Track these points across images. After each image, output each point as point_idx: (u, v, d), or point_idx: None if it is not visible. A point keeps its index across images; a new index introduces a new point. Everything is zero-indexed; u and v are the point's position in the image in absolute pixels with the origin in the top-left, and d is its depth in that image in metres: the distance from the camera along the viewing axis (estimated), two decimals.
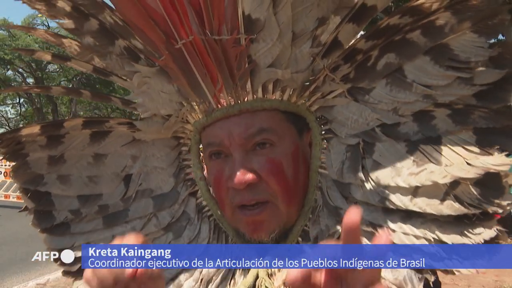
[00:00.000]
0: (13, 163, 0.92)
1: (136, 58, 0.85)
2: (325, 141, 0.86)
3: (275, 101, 0.82)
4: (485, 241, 0.65)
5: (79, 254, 0.93)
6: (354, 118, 0.81)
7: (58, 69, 30.11)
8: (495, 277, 5.10)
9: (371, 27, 0.77)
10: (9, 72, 31.13)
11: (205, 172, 0.97)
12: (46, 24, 27.85)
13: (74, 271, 0.93)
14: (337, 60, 0.79)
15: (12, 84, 31.88)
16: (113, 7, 0.79)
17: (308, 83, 0.83)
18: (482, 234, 0.66)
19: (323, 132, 0.86)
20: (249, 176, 0.78)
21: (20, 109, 34.72)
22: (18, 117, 35.32)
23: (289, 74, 0.79)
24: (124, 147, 0.96)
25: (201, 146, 0.95)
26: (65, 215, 0.95)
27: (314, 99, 0.84)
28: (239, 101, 0.81)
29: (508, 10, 0.66)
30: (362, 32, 0.79)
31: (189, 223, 0.95)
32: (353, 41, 0.78)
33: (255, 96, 0.81)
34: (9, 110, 36.56)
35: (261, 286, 0.79)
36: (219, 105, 0.82)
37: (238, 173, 0.77)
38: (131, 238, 0.64)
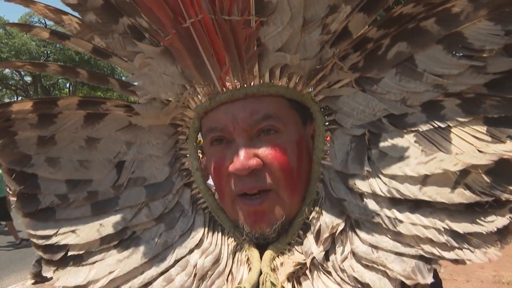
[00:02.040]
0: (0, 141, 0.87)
1: (140, 37, 0.82)
2: (328, 132, 0.84)
3: (281, 87, 0.80)
4: (498, 229, 0.63)
5: (63, 242, 0.88)
6: (361, 109, 0.79)
7: None
8: (493, 272, 5.13)
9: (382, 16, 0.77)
10: (7, 71, 31.46)
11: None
12: (43, 22, 28.09)
13: (56, 260, 0.87)
14: (346, 49, 0.78)
15: (10, 82, 31.97)
16: None
17: (314, 72, 0.82)
18: (495, 222, 0.64)
19: (326, 123, 0.85)
20: (253, 161, 0.76)
21: None
22: None
23: (297, 60, 0.78)
24: (119, 132, 0.93)
25: (199, 136, 0.93)
26: (51, 200, 0.89)
27: (320, 88, 0.83)
28: (245, 85, 0.79)
29: None
30: None
31: (183, 215, 0.91)
32: (364, 29, 0.78)
33: (261, 81, 0.79)
34: None
35: (265, 281, 0.76)
36: (224, 89, 0.80)
37: (241, 158, 0.75)
38: None
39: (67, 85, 36.46)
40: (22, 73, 31.14)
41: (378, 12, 0.77)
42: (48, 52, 30.12)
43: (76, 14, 0.84)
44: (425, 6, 0.70)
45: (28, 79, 32.35)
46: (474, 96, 0.70)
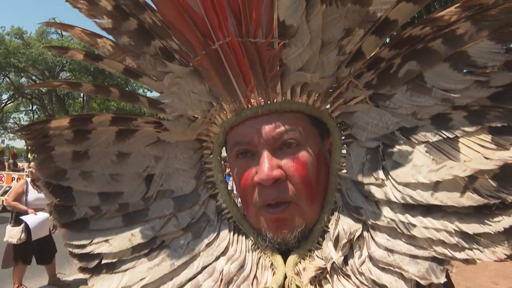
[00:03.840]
0: (38, 156, 0.93)
1: (170, 58, 0.89)
2: (344, 145, 0.90)
3: (302, 104, 0.87)
4: (505, 229, 0.69)
5: (97, 251, 0.93)
6: (374, 123, 0.86)
7: (71, 78, 30.78)
8: None
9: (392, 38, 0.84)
10: (23, 79, 32.42)
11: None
12: (59, 32, 29.25)
13: (91, 268, 0.92)
14: (361, 68, 0.85)
15: (25, 91, 32.60)
16: (155, 7, 0.84)
17: (332, 90, 0.89)
18: (502, 222, 0.70)
19: (343, 137, 0.91)
20: (277, 172, 0.82)
21: (33, 116, 35.72)
22: None
23: (317, 78, 0.85)
24: (148, 147, 0.99)
25: (223, 150, 0.98)
26: (85, 211, 0.95)
27: (337, 105, 0.89)
28: (269, 102, 0.85)
29: None
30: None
31: (209, 224, 0.96)
32: (377, 50, 0.85)
33: (284, 98, 0.86)
34: (22, 117, 38.35)
35: (291, 284, 0.81)
36: (249, 105, 0.86)
37: (266, 169, 0.81)
38: None
39: (81, 94, 37.15)
40: (38, 82, 31.51)
41: (389, 35, 0.84)
42: (64, 62, 30.78)
43: (110, 37, 0.91)
44: (432, 28, 0.78)
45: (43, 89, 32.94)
46: (479, 108, 0.76)
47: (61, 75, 31.58)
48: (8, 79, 32.21)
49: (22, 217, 5.53)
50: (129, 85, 31.03)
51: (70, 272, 6.48)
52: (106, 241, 0.94)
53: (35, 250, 5.77)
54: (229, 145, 0.93)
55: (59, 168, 0.94)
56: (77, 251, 0.93)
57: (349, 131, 0.90)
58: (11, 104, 37.42)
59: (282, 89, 0.85)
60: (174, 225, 0.95)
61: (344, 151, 0.91)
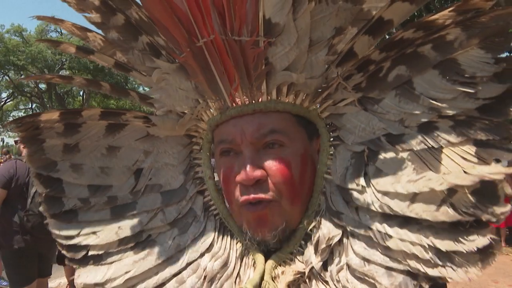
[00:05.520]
0: (29, 148, 0.95)
1: (157, 54, 0.88)
2: (332, 147, 0.88)
3: (288, 104, 0.85)
4: (478, 249, 0.66)
5: (84, 242, 0.95)
6: (362, 127, 0.83)
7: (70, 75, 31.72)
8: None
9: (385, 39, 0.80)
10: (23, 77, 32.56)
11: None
12: (59, 30, 29.54)
13: (78, 259, 0.95)
14: (350, 69, 0.82)
15: (25, 90, 32.88)
16: (140, 3, 0.83)
17: (320, 90, 0.86)
18: (476, 241, 0.67)
19: (331, 139, 0.89)
20: (258, 172, 0.80)
21: None
22: None
23: (303, 79, 0.82)
24: (138, 142, 0.99)
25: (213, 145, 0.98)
26: (74, 203, 0.97)
27: (326, 105, 0.86)
28: (253, 101, 0.83)
29: None
30: None
31: (195, 220, 0.96)
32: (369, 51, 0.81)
33: (269, 98, 0.84)
34: (21, 115, 38.86)
35: None
36: (233, 104, 0.85)
37: (247, 169, 0.80)
38: None
39: (81, 93, 37.64)
40: (37, 80, 32.30)
41: (383, 35, 0.80)
42: (64, 60, 30.97)
43: (99, 31, 0.91)
44: (424, 32, 0.73)
45: (42, 86, 33.52)
46: (466, 119, 0.72)
47: (60, 73, 31.81)
48: (7, 77, 32.59)
49: None
50: (129, 83, 31.10)
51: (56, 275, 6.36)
52: (94, 233, 0.96)
53: None
54: (214, 143, 0.92)
55: (50, 160, 0.96)
56: (64, 242, 0.95)
57: (337, 133, 0.87)
58: (11, 102, 37.74)
59: (267, 89, 0.83)
60: (161, 220, 0.96)
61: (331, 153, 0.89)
